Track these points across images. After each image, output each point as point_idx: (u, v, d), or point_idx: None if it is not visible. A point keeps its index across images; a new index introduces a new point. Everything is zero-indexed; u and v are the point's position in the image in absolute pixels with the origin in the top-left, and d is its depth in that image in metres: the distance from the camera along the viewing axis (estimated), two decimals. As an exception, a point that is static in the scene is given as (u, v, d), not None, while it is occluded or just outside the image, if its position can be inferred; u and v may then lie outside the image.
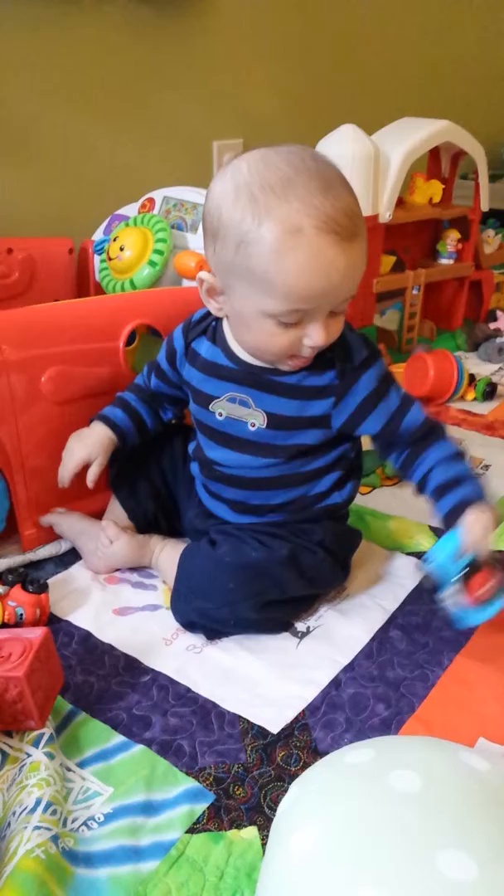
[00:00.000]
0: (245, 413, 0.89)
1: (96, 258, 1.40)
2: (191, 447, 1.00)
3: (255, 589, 0.88)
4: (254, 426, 0.89)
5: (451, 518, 0.84)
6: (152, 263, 1.24)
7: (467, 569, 0.82)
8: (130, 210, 1.43)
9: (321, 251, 0.73)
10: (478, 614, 0.83)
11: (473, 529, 0.82)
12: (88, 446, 0.99)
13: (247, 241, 0.75)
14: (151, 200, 1.40)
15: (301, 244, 0.73)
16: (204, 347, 0.92)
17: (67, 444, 1.00)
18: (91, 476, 0.99)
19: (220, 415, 0.91)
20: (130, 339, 1.08)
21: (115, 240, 1.29)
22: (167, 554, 0.98)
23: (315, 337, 0.79)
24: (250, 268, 0.76)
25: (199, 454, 0.97)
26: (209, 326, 0.92)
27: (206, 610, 0.89)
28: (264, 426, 0.88)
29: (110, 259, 1.29)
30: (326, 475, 0.92)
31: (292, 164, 0.74)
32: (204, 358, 0.92)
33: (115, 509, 1.04)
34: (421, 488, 0.90)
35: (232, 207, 0.76)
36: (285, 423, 0.88)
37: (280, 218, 0.73)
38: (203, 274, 0.83)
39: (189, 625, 0.92)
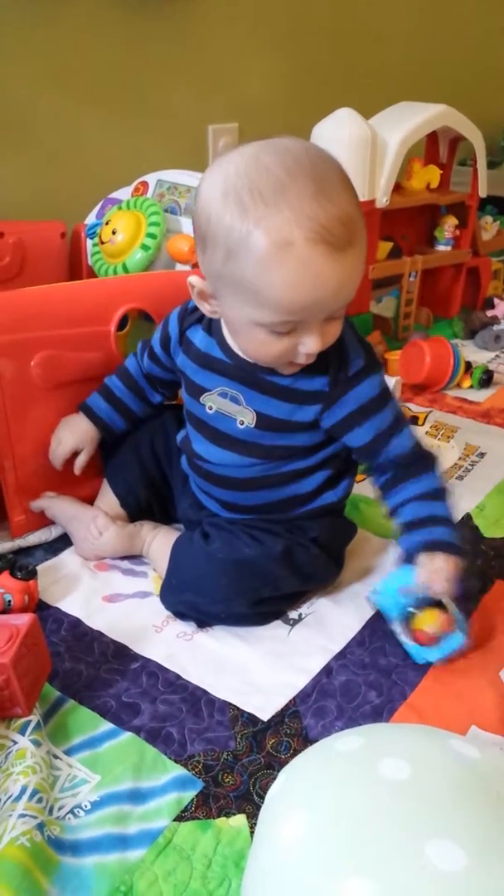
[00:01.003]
0: (235, 410, 0.87)
1: (89, 242, 1.38)
2: (179, 436, 0.98)
3: (247, 586, 0.86)
4: (242, 424, 0.87)
5: (410, 555, 0.83)
6: (145, 247, 1.23)
7: (411, 608, 0.82)
8: (123, 193, 1.42)
9: (312, 264, 0.69)
10: (432, 653, 0.83)
11: (425, 571, 0.81)
12: (77, 435, 1.00)
13: (235, 251, 0.71)
14: (145, 184, 1.39)
15: (291, 257, 0.69)
16: (199, 337, 0.90)
17: (56, 431, 1.00)
18: (78, 465, 1.00)
19: (211, 408, 0.89)
20: (122, 324, 1.07)
21: (107, 223, 1.27)
22: (158, 544, 0.97)
23: (310, 345, 0.76)
24: (239, 278, 0.73)
25: (185, 445, 0.95)
26: (203, 316, 0.89)
27: (197, 604, 0.88)
28: (253, 425, 0.87)
29: (103, 243, 1.27)
30: (314, 474, 0.90)
31: (286, 166, 0.70)
32: (198, 348, 0.90)
33: (107, 496, 1.03)
34: (392, 515, 0.88)
35: (220, 214, 0.72)
36: (274, 424, 0.86)
37: (270, 229, 0.69)
38: (193, 279, 0.80)
39: (179, 614, 0.91)
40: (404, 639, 0.84)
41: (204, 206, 0.74)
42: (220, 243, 0.73)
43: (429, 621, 0.82)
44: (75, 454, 0.99)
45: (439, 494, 0.86)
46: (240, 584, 0.86)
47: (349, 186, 0.73)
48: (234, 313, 0.78)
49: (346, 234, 0.70)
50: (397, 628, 0.84)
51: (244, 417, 0.87)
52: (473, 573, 0.98)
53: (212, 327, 0.88)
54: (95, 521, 0.99)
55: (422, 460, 0.87)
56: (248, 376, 0.86)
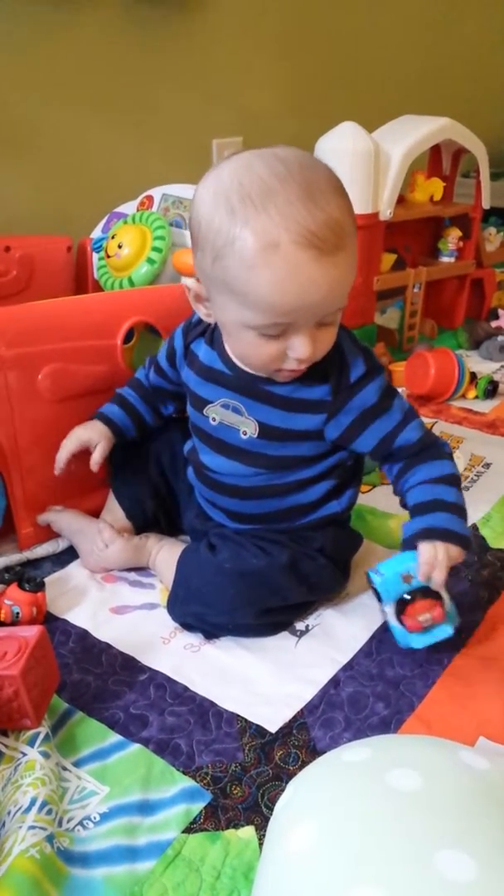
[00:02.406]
0: (237, 420, 0.88)
1: (94, 256, 1.39)
2: (187, 447, 0.99)
3: (255, 597, 0.87)
4: (245, 434, 0.87)
5: (412, 540, 0.82)
6: (151, 261, 1.24)
7: (409, 594, 0.81)
8: (129, 208, 1.43)
9: (299, 267, 0.70)
10: (417, 640, 0.82)
11: (425, 559, 0.79)
12: (90, 430, 0.99)
13: (223, 254, 0.72)
14: (150, 198, 1.40)
15: (277, 260, 0.70)
16: (202, 350, 0.91)
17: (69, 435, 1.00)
18: (95, 459, 0.97)
19: (214, 420, 0.90)
20: (129, 337, 1.07)
21: (113, 237, 1.28)
22: (164, 556, 0.97)
23: (299, 350, 0.76)
24: (227, 280, 0.74)
25: (192, 456, 0.96)
26: (207, 328, 0.90)
27: (204, 615, 0.88)
28: (255, 435, 0.87)
29: (108, 257, 1.28)
30: (318, 483, 0.90)
31: (276, 172, 0.71)
32: (201, 361, 0.90)
33: (113, 507, 1.03)
34: (403, 503, 0.87)
35: (210, 217, 0.73)
36: (276, 433, 0.86)
37: (257, 231, 0.70)
38: (188, 281, 0.82)
39: (186, 625, 0.91)
40: (393, 622, 0.82)
41: (196, 209, 0.76)
42: (209, 245, 0.74)
43: (422, 611, 0.81)
44: (82, 462, 0.99)
45: (448, 479, 0.85)
46: (247, 594, 0.86)
47: (341, 194, 0.73)
48: (226, 316, 0.79)
49: (334, 238, 0.71)
50: (388, 611, 0.83)
51: (247, 428, 0.87)
52: (480, 583, 0.98)
53: (214, 340, 0.89)
54: (101, 534, 0.99)
55: (431, 448, 0.86)
56: (249, 387, 0.86)
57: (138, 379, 1.03)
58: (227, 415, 0.88)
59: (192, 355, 0.92)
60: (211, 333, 0.89)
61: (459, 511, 0.83)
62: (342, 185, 0.75)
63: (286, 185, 0.70)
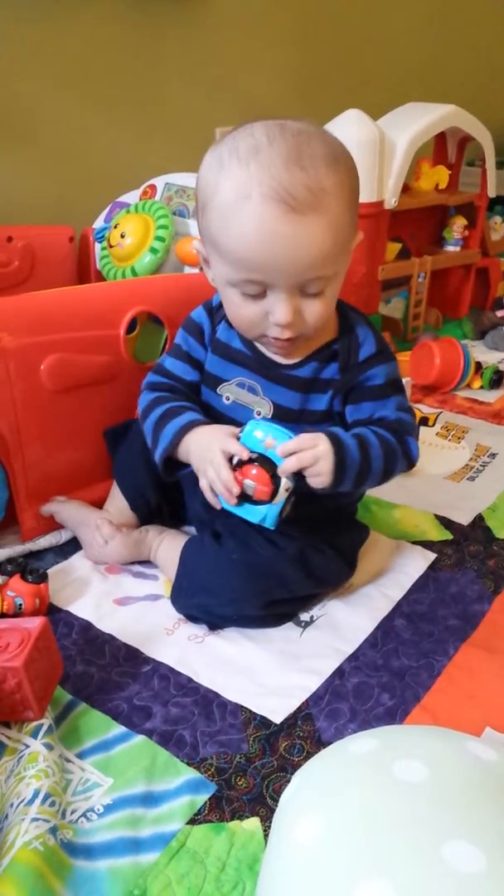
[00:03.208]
0: (252, 400, 0.88)
1: (97, 246, 1.38)
2: None
3: (261, 588, 0.86)
4: (259, 414, 0.87)
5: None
6: (154, 250, 1.23)
7: (252, 457, 0.76)
8: (132, 197, 1.42)
9: (265, 220, 0.71)
10: (229, 505, 0.78)
11: (298, 440, 0.76)
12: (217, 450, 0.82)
13: (206, 204, 0.76)
14: (153, 187, 1.39)
15: (247, 211, 0.72)
16: (221, 328, 0.91)
17: (204, 473, 0.83)
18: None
19: (228, 399, 0.90)
20: (131, 327, 1.07)
21: (115, 227, 1.27)
22: (165, 548, 0.97)
23: (276, 313, 0.76)
24: (211, 232, 0.76)
25: None
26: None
27: (208, 606, 0.88)
28: (269, 415, 0.87)
29: (111, 246, 1.27)
30: None
31: (269, 133, 0.72)
32: (219, 339, 0.91)
33: (117, 498, 1.02)
34: None
35: (204, 174, 0.76)
36: (290, 415, 0.86)
37: (233, 183, 0.72)
38: (196, 243, 0.84)
39: (190, 617, 0.90)
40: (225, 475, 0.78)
41: (199, 172, 0.78)
42: (201, 198, 0.77)
43: (250, 477, 0.77)
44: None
45: (386, 443, 0.81)
46: (253, 585, 0.86)
47: (337, 166, 0.73)
48: (215, 272, 0.80)
49: (308, 198, 0.71)
50: (235, 452, 0.78)
51: (261, 408, 0.87)
52: (485, 574, 0.97)
53: None
54: (100, 530, 0.98)
55: (402, 435, 0.84)
56: (266, 367, 0.87)
57: (163, 395, 0.92)
58: (242, 394, 0.88)
59: (214, 334, 0.92)
60: None
61: (366, 450, 0.79)
62: (346, 159, 0.75)
63: (274, 145, 0.72)
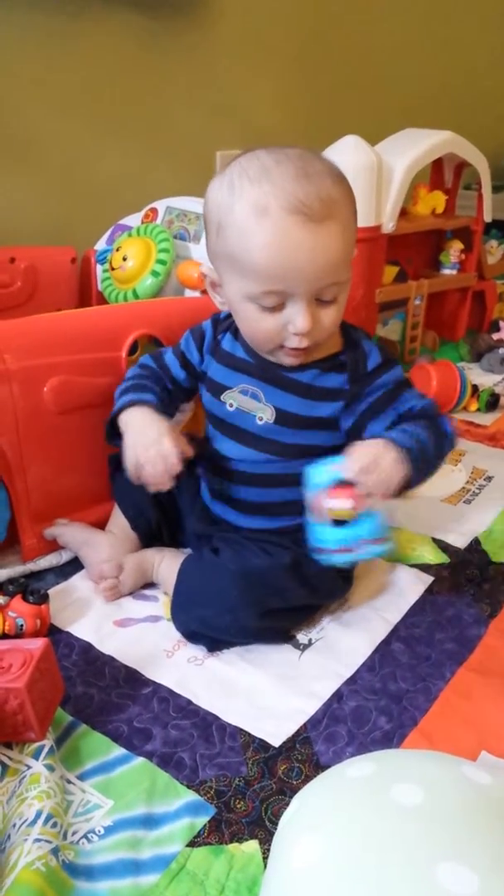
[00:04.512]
0: (255, 406, 0.91)
1: (99, 268, 1.40)
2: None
3: (257, 596, 0.87)
4: (261, 420, 0.91)
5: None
6: (155, 273, 1.24)
7: (332, 483, 0.79)
8: (133, 220, 1.44)
9: (286, 231, 0.76)
10: (331, 534, 0.80)
11: (356, 454, 0.79)
12: (164, 435, 0.87)
13: (222, 224, 0.80)
14: (154, 210, 1.41)
15: (267, 224, 0.77)
16: (226, 340, 0.95)
17: (139, 452, 0.87)
18: (186, 448, 0.89)
19: (231, 406, 0.93)
20: (133, 350, 1.08)
21: (117, 250, 1.29)
22: (167, 565, 0.98)
23: (298, 323, 0.80)
24: (227, 250, 0.81)
25: (207, 447, 0.98)
26: (233, 322, 0.94)
27: (206, 617, 0.89)
28: (272, 421, 0.90)
29: (113, 269, 1.29)
30: None
31: (275, 158, 0.78)
32: (223, 349, 0.95)
33: (118, 518, 1.04)
34: None
35: (214, 198, 0.82)
36: (292, 420, 0.89)
37: (250, 200, 0.77)
38: (204, 267, 0.88)
39: (190, 635, 0.91)
40: (315, 510, 0.81)
41: (206, 198, 0.84)
42: (212, 220, 0.83)
43: (339, 496, 0.78)
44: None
45: (435, 431, 0.86)
46: (249, 594, 0.87)
47: (339, 180, 0.80)
48: (231, 291, 0.84)
49: (323, 208, 0.77)
50: (310, 498, 0.81)
51: (263, 414, 0.90)
52: (482, 598, 0.98)
53: (238, 332, 0.93)
54: (104, 577, 0.97)
55: (435, 419, 0.88)
56: (269, 374, 0.90)
57: (144, 375, 0.98)
58: (245, 401, 0.92)
59: (217, 344, 0.96)
60: (236, 328, 0.93)
61: (421, 443, 0.83)
62: (343, 176, 0.81)
63: (281, 166, 0.78)
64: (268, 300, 0.80)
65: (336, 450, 0.89)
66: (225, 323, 0.97)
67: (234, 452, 0.94)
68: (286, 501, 0.93)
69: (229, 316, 0.94)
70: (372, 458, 0.79)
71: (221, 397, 0.93)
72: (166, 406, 0.97)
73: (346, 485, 0.79)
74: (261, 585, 0.87)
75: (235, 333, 0.94)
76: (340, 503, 0.80)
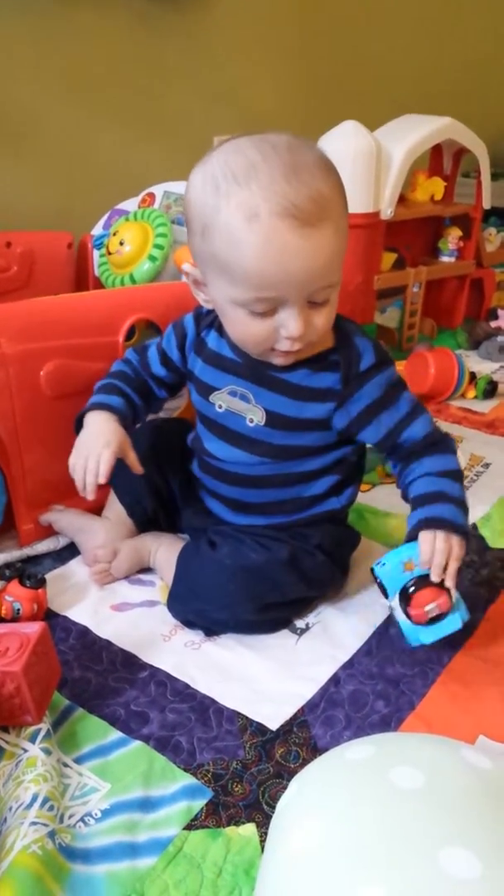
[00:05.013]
0: (244, 408, 0.88)
1: (95, 253, 1.39)
2: (190, 437, 0.99)
3: (255, 591, 0.87)
4: (252, 422, 0.88)
5: (414, 531, 0.81)
6: (152, 258, 1.23)
7: (413, 583, 0.80)
8: (130, 205, 1.43)
9: (277, 236, 0.72)
10: (426, 634, 0.81)
11: (426, 547, 0.79)
12: (111, 443, 0.88)
13: (209, 227, 0.75)
14: (152, 195, 1.40)
15: (257, 229, 0.72)
16: (211, 337, 0.92)
17: (85, 446, 0.89)
18: (134, 461, 0.91)
19: (220, 407, 0.90)
20: (130, 334, 1.07)
21: (114, 234, 1.28)
22: (164, 553, 0.98)
23: (290, 327, 0.77)
24: (214, 255, 0.76)
25: (196, 444, 0.96)
26: (216, 319, 0.90)
27: (204, 611, 0.89)
28: (262, 423, 0.87)
29: (110, 254, 1.28)
30: (322, 477, 0.91)
31: (262, 151, 0.73)
32: (209, 348, 0.91)
33: (115, 505, 1.03)
34: (405, 496, 0.87)
35: (198, 195, 0.76)
36: (284, 422, 0.87)
37: (239, 203, 0.72)
38: (187, 266, 0.84)
39: (187, 622, 0.91)
40: (400, 616, 0.81)
41: (188, 193, 0.78)
42: (197, 222, 0.77)
43: (427, 600, 0.79)
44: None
45: (452, 474, 0.85)
46: (247, 589, 0.86)
47: (329, 173, 0.75)
48: (218, 294, 0.80)
49: (315, 210, 0.72)
50: (394, 605, 0.82)
51: (254, 415, 0.88)
52: (480, 583, 0.98)
53: (223, 328, 0.89)
54: (98, 560, 0.97)
55: (437, 444, 0.86)
56: (258, 374, 0.87)
57: (123, 371, 0.98)
58: (234, 402, 0.89)
59: (201, 342, 0.93)
60: (220, 323, 0.89)
61: (461, 505, 0.83)
62: (333, 166, 0.76)
63: (269, 162, 0.72)
64: (259, 306, 0.76)
65: (326, 450, 0.89)
66: (208, 318, 0.92)
67: (225, 454, 0.91)
68: (280, 501, 0.92)
69: (212, 310, 0.89)
70: (438, 545, 0.79)
71: (210, 398, 0.90)
72: (137, 410, 0.97)
73: (424, 586, 0.80)
74: (258, 581, 0.87)
75: (220, 330, 0.90)
76: (433, 607, 0.80)
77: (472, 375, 1.52)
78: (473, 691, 0.82)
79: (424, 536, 0.80)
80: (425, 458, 0.86)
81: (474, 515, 1.12)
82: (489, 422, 1.43)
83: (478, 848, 0.48)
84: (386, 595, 0.83)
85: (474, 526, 1.10)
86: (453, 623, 0.81)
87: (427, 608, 0.79)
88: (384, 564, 0.82)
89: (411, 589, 0.80)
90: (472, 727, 0.77)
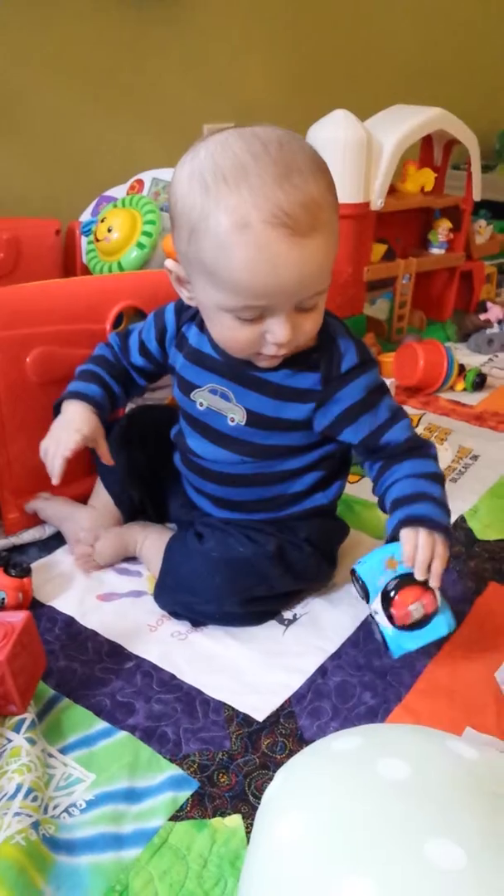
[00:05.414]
0: (225, 407, 0.87)
1: (83, 239, 1.38)
2: (174, 430, 0.98)
3: (242, 585, 0.86)
4: (233, 421, 0.86)
5: (395, 531, 0.79)
6: (140, 245, 1.22)
7: (396, 582, 0.77)
8: (119, 192, 1.41)
9: (269, 247, 0.69)
10: (410, 640, 0.78)
11: (409, 544, 0.77)
12: (82, 429, 0.89)
13: (196, 231, 0.72)
14: (140, 182, 1.39)
15: (247, 239, 0.69)
16: (192, 333, 0.90)
17: (56, 432, 0.90)
18: (105, 453, 0.92)
19: (201, 405, 0.88)
20: (118, 322, 1.06)
21: (102, 221, 1.27)
22: (151, 544, 0.97)
23: (277, 334, 0.75)
24: (201, 260, 0.73)
25: (179, 440, 0.95)
26: (198, 313, 0.88)
27: (190, 603, 0.88)
28: (244, 423, 0.86)
29: (98, 240, 1.27)
30: (306, 475, 0.90)
31: (251, 150, 0.69)
32: (190, 344, 0.89)
33: (101, 494, 1.02)
34: (381, 501, 0.85)
35: (185, 195, 0.72)
36: (265, 422, 0.85)
37: (228, 210, 0.69)
38: (169, 263, 0.80)
39: (174, 613, 0.90)
40: (382, 622, 0.78)
41: (173, 188, 0.74)
42: (183, 223, 0.73)
43: (411, 600, 0.76)
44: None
45: (432, 476, 0.83)
46: (234, 582, 0.86)
47: (321, 174, 0.72)
48: (203, 297, 0.78)
49: (308, 219, 0.69)
50: (376, 607, 0.79)
51: (234, 415, 0.86)
52: (467, 575, 0.98)
53: (204, 324, 0.87)
54: (81, 541, 0.97)
55: (417, 449, 0.85)
56: (239, 373, 0.85)
57: (104, 357, 0.98)
58: (215, 400, 0.87)
59: (182, 337, 0.91)
60: (201, 318, 0.88)
61: (443, 505, 0.81)
62: (324, 165, 0.73)
63: (260, 163, 0.69)
64: (246, 313, 0.74)
65: (309, 449, 0.87)
66: (189, 312, 0.90)
67: (207, 453, 0.90)
68: (264, 499, 0.91)
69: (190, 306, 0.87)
70: (420, 541, 0.77)
71: (191, 396, 0.89)
72: (116, 399, 0.96)
73: (407, 584, 0.77)
74: (246, 575, 0.86)
75: (202, 326, 0.87)
76: (417, 607, 0.77)
77: (462, 368, 1.52)
78: (460, 683, 0.82)
79: (406, 533, 0.78)
80: (405, 461, 0.84)
81: (462, 507, 1.12)
82: (478, 414, 1.43)
83: (463, 839, 0.48)
84: (367, 597, 0.80)
85: (462, 518, 1.10)
86: (439, 628, 0.78)
87: (411, 607, 0.77)
88: (365, 563, 0.80)
89: (393, 588, 0.77)
90: (459, 719, 0.77)
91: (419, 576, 0.77)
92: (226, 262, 0.71)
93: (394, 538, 0.79)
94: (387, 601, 0.78)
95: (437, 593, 0.78)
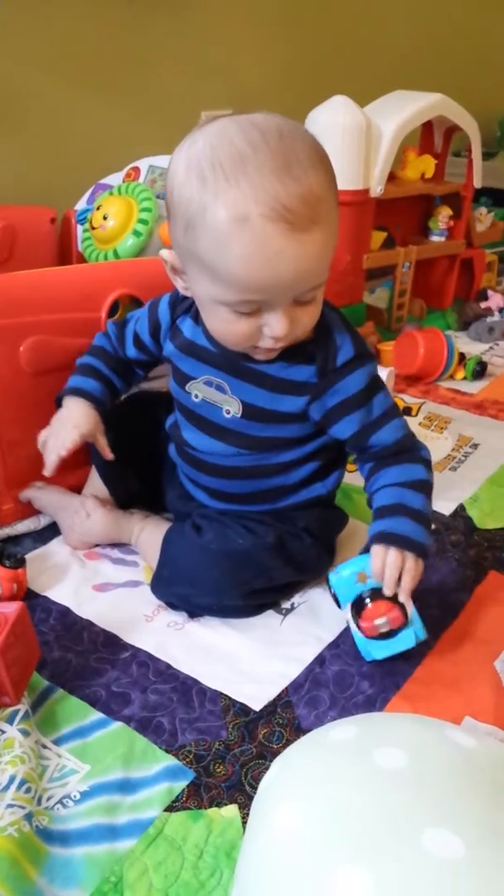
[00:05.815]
0: (221, 399, 0.85)
1: (79, 228, 1.37)
2: (169, 421, 0.97)
3: (241, 577, 0.85)
4: (229, 413, 0.85)
5: (371, 542, 0.79)
6: (137, 233, 1.21)
7: (367, 596, 0.78)
8: (115, 179, 1.40)
9: (268, 242, 0.67)
10: (378, 649, 0.79)
11: (377, 561, 0.77)
12: (86, 420, 0.90)
13: (193, 224, 0.70)
14: (137, 169, 1.38)
15: (246, 234, 0.67)
16: (187, 325, 0.88)
17: (48, 432, 0.91)
18: (104, 447, 0.93)
19: (196, 397, 0.87)
20: (113, 310, 1.05)
21: (98, 209, 1.26)
22: (148, 535, 0.96)
23: (275, 328, 0.73)
24: (198, 252, 0.71)
25: (174, 431, 0.94)
26: (193, 305, 0.86)
27: (189, 596, 0.87)
28: (239, 415, 0.85)
29: (93, 228, 1.25)
30: (302, 466, 0.89)
31: (250, 140, 0.67)
32: (185, 336, 0.88)
33: (96, 484, 1.01)
34: (369, 504, 0.85)
35: (182, 185, 0.70)
36: (261, 414, 0.84)
37: (226, 203, 0.67)
38: (164, 252, 0.79)
39: (171, 604, 0.90)
40: (353, 628, 0.80)
41: (170, 176, 0.72)
42: (180, 215, 0.71)
43: (377, 614, 0.77)
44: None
45: (416, 485, 0.82)
46: (233, 575, 0.85)
47: (321, 165, 0.70)
48: (199, 289, 0.76)
49: (308, 212, 0.67)
50: (348, 615, 0.80)
51: (230, 407, 0.85)
52: (467, 564, 0.97)
53: (199, 316, 0.86)
54: (84, 504, 0.98)
55: (408, 452, 0.84)
56: (234, 365, 0.84)
57: (102, 348, 0.97)
58: (211, 392, 0.86)
59: (176, 329, 0.90)
60: (196, 310, 0.86)
61: (421, 518, 0.80)
62: (325, 155, 0.71)
63: (259, 154, 0.67)
64: (244, 307, 0.73)
65: (305, 440, 0.86)
66: (184, 304, 0.88)
67: (203, 445, 0.89)
68: (261, 490, 0.90)
69: (187, 297, 0.85)
70: (389, 560, 0.77)
71: (186, 387, 0.88)
72: (115, 390, 0.97)
73: (376, 598, 0.78)
74: (245, 567, 0.85)
75: (196, 318, 0.86)
76: (383, 622, 0.78)
77: (462, 356, 1.51)
78: (459, 672, 0.81)
79: (376, 550, 0.78)
80: (392, 467, 0.83)
81: (462, 496, 1.11)
82: (478, 402, 1.42)
83: (461, 828, 0.47)
84: (337, 602, 0.81)
85: (462, 506, 1.09)
86: (406, 640, 0.78)
87: (377, 622, 0.78)
88: (339, 573, 0.81)
89: (361, 601, 0.79)
90: (457, 708, 0.77)
91: (387, 592, 0.77)
92: (223, 256, 0.69)
93: (368, 545, 0.80)
94: (356, 613, 0.79)
95: (409, 606, 0.78)
